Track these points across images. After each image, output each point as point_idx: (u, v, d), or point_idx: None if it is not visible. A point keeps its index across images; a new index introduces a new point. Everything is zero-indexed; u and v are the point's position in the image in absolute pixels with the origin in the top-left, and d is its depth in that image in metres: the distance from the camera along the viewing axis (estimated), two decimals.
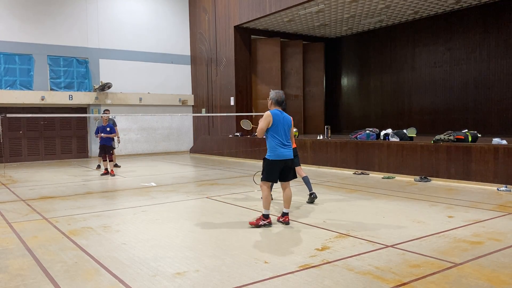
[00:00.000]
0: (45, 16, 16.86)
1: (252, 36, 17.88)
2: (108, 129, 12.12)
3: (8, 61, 16.13)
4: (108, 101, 17.91)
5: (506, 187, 8.25)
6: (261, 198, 7.75)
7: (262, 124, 5.71)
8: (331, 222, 5.92)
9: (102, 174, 12.16)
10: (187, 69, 20.42)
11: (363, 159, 11.36)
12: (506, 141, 9.15)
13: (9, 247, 5.03)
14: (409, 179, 9.93)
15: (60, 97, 16.98)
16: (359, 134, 11.91)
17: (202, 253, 4.67)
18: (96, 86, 17.66)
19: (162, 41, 19.58)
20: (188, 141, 20.54)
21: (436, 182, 9.48)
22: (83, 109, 17.98)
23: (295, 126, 8.73)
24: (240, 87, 17.58)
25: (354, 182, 9.75)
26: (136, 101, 18.70)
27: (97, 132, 12.34)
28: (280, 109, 5.86)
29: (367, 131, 11.80)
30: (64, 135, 17.68)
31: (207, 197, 8.20)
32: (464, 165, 9.17)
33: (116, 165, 13.85)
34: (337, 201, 7.55)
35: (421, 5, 14.48)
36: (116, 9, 18.47)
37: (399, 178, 10.19)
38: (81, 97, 17.44)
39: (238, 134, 16.91)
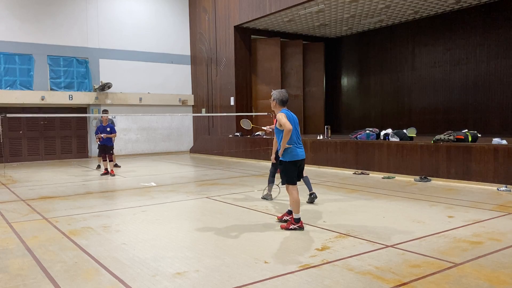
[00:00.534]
0: (45, 16, 16.86)
1: (252, 36, 17.88)
2: (108, 129, 12.12)
3: (8, 61, 16.13)
4: (108, 101, 17.91)
5: (506, 187, 8.25)
6: (262, 196, 7.78)
7: (286, 119, 5.39)
8: (331, 222, 5.92)
9: (102, 174, 12.16)
10: (187, 69, 20.42)
11: (363, 159, 11.36)
12: (506, 141, 9.15)
13: (9, 247, 5.03)
14: (409, 179, 9.93)
15: (60, 97, 16.98)
16: (359, 134, 11.91)
17: (202, 253, 4.67)
18: (96, 86, 17.66)
19: (162, 41, 19.58)
20: (188, 141, 20.54)
21: (436, 182, 9.48)
22: (83, 109, 17.97)
23: None
24: (240, 87, 17.57)
25: (354, 182, 9.75)
26: (136, 101, 18.70)
27: (97, 133, 12.33)
28: (286, 108, 5.73)
29: (367, 131, 11.80)
30: (64, 135, 17.68)
31: (207, 197, 8.20)
32: (464, 165, 9.17)
33: (116, 165, 13.85)
34: (337, 201, 7.55)
35: (421, 5, 14.48)
36: (116, 9, 18.47)
37: (399, 178, 10.19)
38: (81, 97, 17.44)
39: (238, 134, 16.91)
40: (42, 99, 16.51)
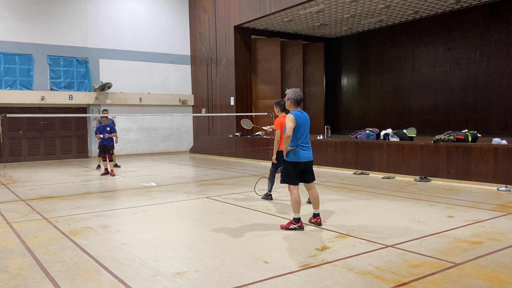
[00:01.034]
0: (45, 16, 16.86)
1: (252, 36, 17.88)
2: (108, 128, 12.12)
3: (8, 61, 16.13)
4: (108, 101, 17.91)
5: (506, 187, 8.24)
6: (262, 196, 7.79)
7: (291, 124, 5.40)
8: (331, 222, 5.92)
9: (102, 174, 12.16)
10: (187, 69, 20.42)
11: (363, 159, 11.36)
12: (506, 141, 9.15)
13: (9, 247, 5.03)
14: (409, 179, 9.93)
15: (60, 97, 16.98)
16: (359, 134, 11.91)
17: (202, 253, 4.67)
18: (96, 86, 17.66)
19: (162, 41, 19.58)
20: (188, 141, 20.55)
21: (436, 182, 9.48)
22: (83, 109, 17.97)
23: None
24: (240, 87, 17.57)
25: (354, 182, 9.75)
26: (136, 101, 18.70)
27: (96, 133, 12.33)
28: (299, 109, 5.67)
29: (367, 131, 11.80)
30: (64, 135, 17.68)
31: (207, 197, 8.20)
32: (464, 165, 9.17)
33: (116, 165, 13.85)
34: (337, 201, 7.55)
35: (421, 5, 14.48)
36: (116, 9, 18.47)
37: (399, 178, 10.19)
38: (81, 97, 17.43)
39: (238, 134, 16.91)
40: (42, 99, 16.51)
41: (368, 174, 10.98)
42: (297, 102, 5.69)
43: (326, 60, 19.85)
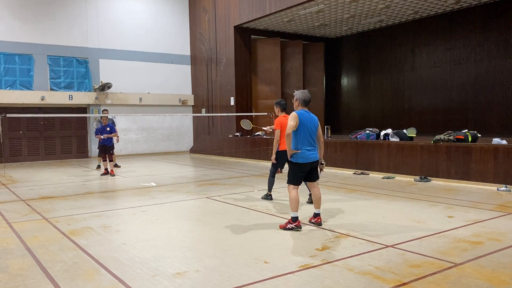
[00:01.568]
0: (45, 16, 16.86)
1: (252, 36, 17.88)
2: (108, 129, 12.11)
3: (8, 61, 16.13)
4: (108, 101, 17.91)
5: (506, 187, 8.25)
6: (262, 196, 7.79)
7: (292, 123, 5.44)
8: (331, 222, 5.92)
9: (102, 174, 12.15)
10: (187, 69, 20.42)
11: (363, 159, 11.36)
12: (506, 141, 9.15)
13: (9, 247, 5.03)
14: (409, 179, 9.93)
15: (60, 97, 16.98)
16: (359, 134, 11.91)
17: (202, 253, 4.67)
18: (96, 86, 17.66)
19: (162, 41, 19.58)
20: (188, 141, 20.54)
21: (436, 182, 9.48)
22: (83, 109, 17.97)
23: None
24: (240, 87, 17.57)
25: (354, 182, 9.75)
26: (136, 101, 18.69)
27: (97, 133, 12.33)
28: (306, 109, 5.67)
29: (367, 131, 11.80)
30: (64, 135, 17.68)
31: (207, 197, 8.20)
32: (464, 165, 9.17)
33: (116, 165, 13.85)
34: (337, 201, 7.55)
35: (421, 5, 14.47)
36: (116, 9, 18.47)
37: (399, 178, 10.19)
38: (81, 97, 17.43)
39: (238, 134, 16.91)
40: (42, 99, 16.51)
41: (368, 174, 10.98)
42: (305, 103, 5.70)
43: (326, 60, 19.85)
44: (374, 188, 8.84)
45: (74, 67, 17.48)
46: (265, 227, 5.76)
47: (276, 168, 7.71)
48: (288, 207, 6.04)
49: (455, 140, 9.63)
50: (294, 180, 5.59)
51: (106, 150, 12.08)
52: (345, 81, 20.26)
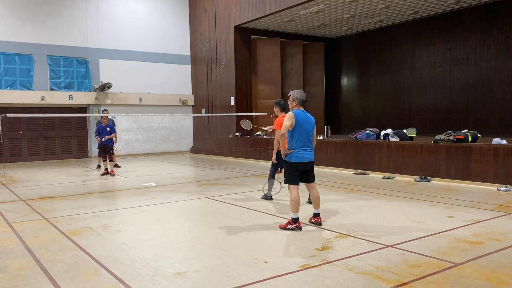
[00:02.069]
0: (45, 16, 16.86)
1: (252, 36, 17.88)
2: (108, 129, 12.11)
3: (8, 61, 16.13)
4: (108, 101, 17.91)
5: (506, 187, 8.25)
6: (262, 196, 7.79)
7: (288, 123, 5.46)
8: (331, 222, 5.92)
9: (102, 174, 12.15)
10: (187, 69, 20.42)
11: (363, 159, 11.36)
12: (506, 141, 9.15)
13: (9, 247, 5.03)
14: (409, 179, 9.93)
15: (60, 97, 16.97)
16: (359, 134, 11.91)
17: (202, 253, 4.67)
18: (96, 86, 17.66)
19: (162, 41, 19.58)
20: (188, 141, 20.54)
21: (436, 182, 9.48)
22: (83, 109, 17.97)
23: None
24: (240, 87, 17.57)
25: (354, 182, 9.75)
26: (136, 101, 18.70)
27: (96, 133, 12.32)
28: (302, 109, 5.69)
29: (367, 131, 11.80)
30: (64, 135, 17.68)
31: (207, 197, 8.20)
32: (464, 165, 9.17)
33: (116, 165, 13.84)
34: (337, 201, 7.55)
35: (421, 5, 14.47)
36: (116, 9, 18.47)
37: (399, 178, 10.19)
38: (81, 97, 17.43)
39: (238, 134, 16.91)
40: (42, 99, 16.51)
41: (368, 174, 10.98)
42: (302, 102, 5.72)
43: (326, 60, 19.85)
44: (374, 188, 8.84)
45: (74, 67, 17.48)
46: (265, 227, 5.76)
47: (276, 168, 7.71)
48: (288, 207, 6.04)
49: (455, 140, 9.63)
50: (291, 179, 5.60)
51: (106, 150, 12.07)
52: (345, 81, 20.26)
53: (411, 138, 11.01)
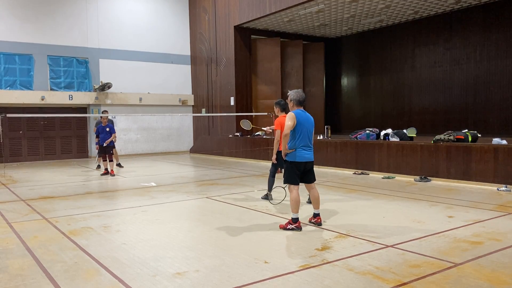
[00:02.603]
0: (45, 16, 16.86)
1: (252, 36, 17.88)
2: (107, 129, 12.10)
3: (8, 61, 16.13)
4: (108, 101, 17.91)
5: (506, 187, 8.24)
6: (262, 196, 7.79)
7: (290, 123, 5.44)
8: (331, 222, 5.92)
9: (102, 174, 12.15)
10: (187, 69, 20.42)
11: (363, 159, 11.36)
12: (506, 141, 9.15)
13: (9, 247, 5.03)
14: (409, 179, 9.93)
15: (60, 97, 16.97)
16: (359, 134, 11.91)
17: (202, 253, 4.67)
18: (96, 86, 17.66)
19: (162, 41, 19.58)
20: (188, 141, 20.54)
21: (436, 182, 9.48)
22: (83, 109, 17.97)
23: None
24: (240, 87, 17.57)
25: (354, 182, 9.75)
26: (136, 101, 18.69)
27: (96, 133, 12.31)
28: (302, 109, 5.68)
29: (367, 131, 11.80)
30: (64, 135, 17.68)
31: (207, 197, 8.20)
32: (464, 165, 9.17)
33: (119, 165, 13.86)
34: (337, 201, 7.55)
35: (421, 5, 14.47)
36: (116, 9, 18.47)
37: (399, 178, 10.19)
38: (81, 97, 17.43)
39: (238, 134, 16.91)
40: (42, 99, 16.51)
41: (368, 174, 10.98)
42: (299, 103, 5.71)
43: (326, 60, 19.85)
44: (374, 188, 8.84)
45: (74, 67, 17.48)
46: (265, 227, 5.76)
47: (276, 168, 7.71)
48: (288, 207, 6.04)
49: (455, 140, 9.63)
50: (290, 179, 5.59)
51: (106, 150, 12.07)
52: (345, 81, 20.26)
53: (411, 138, 11.01)
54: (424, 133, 13.50)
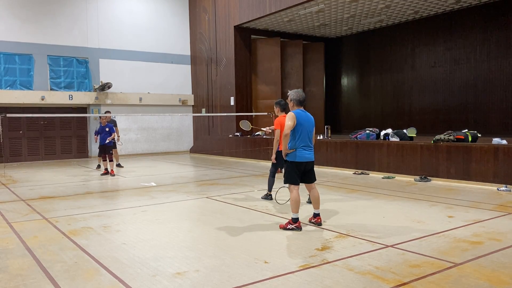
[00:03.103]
0: (45, 16, 16.86)
1: (252, 36, 17.88)
2: (107, 129, 12.10)
3: (8, 61, 16.13)
4: (108, 101, 17.91)
5: (506, 187, 8.24)
6: (262, 196, 7.79)
7: (290, 123, 5.43)
8: (331, 222, 5.92)
9: (102, 174, 12.15)
10: (187, 69, 20.42)
11: (363, 159, 11.36)
12: (506, 141, 9.14)
13: (9, 247, 5.03)
14: (409, 179, 9.93)
15: (60, 97, 16.98)
16: (359, 134, 11.91)
17: (202, 253, 4.67)
18: (96, 86, 17.66)
19: (162, 41, 19.58)
20: (188, 141, 20.54)
21: (436, 182, 9.48)
22: (83, 109, 17.97)
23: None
24: (240, 87, 17.57)
25: (354, 182, 9.75)
26: (136, 101, 18.70)
27: (96, 133, 12.31)
28: (302, 109, 5.68)
29: (367, 131, 11.80)
30: (64, 135, 17.68)
31: (207, 197, 8.20)
32: (464, 165, 9.17)
33: (119, 165, 13.85)
34: (337, 201, 7.55)
35: (421, 5, 14.47)
36: (116, 9, 18.47)
37: (399, 178, 10.19)
38: (81, 97, 17.43)
39: (238, 134, 16.91)
40: (42, 99, 16.51)
41: (368, 174, 10.98)
42: (300, 103, 5.70)
43: (326, 60, 19.85)
44: (374, 188, 8.84)
45: (74, 67, 17.48)
46: (265, 227, 5.76)
47: (276, 168, 7.72)
48: (288, 207, 6.04)
49: (455, 140, 9.63)
50: (291, 179, 5.58)
51: (106, 150, 12.07)
52: (345, 81, 20.26)
53: (411, 138, 11.01)
54: (424, 133, 13.49)
